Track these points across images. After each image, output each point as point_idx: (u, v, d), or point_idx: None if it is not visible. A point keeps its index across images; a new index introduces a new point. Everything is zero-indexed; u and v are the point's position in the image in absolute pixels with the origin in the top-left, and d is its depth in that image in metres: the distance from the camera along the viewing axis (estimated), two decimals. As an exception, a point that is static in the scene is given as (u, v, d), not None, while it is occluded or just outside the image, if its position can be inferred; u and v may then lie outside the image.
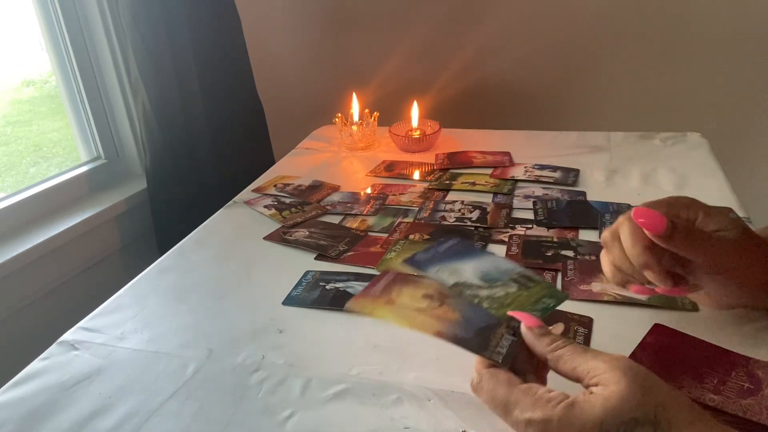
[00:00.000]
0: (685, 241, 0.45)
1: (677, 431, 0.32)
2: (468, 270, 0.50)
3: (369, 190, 0.95)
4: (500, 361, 0.41)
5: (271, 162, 1.33)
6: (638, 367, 0.34)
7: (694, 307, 0.58)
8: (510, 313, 0.44)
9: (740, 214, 0.72)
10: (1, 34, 1.27)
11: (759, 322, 0.55)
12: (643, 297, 0.58)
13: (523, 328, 0.41)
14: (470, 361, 0.54)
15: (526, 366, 0.41)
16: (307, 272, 0.70)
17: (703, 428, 0.32)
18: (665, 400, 0.33)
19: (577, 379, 0.37)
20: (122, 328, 0.63)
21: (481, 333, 0.43)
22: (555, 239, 0.75)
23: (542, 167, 0.98)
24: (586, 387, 0.35)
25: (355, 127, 1.14)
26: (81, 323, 0.64)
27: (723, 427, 0.33)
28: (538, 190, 0.90)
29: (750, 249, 0.47)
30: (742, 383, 0.47)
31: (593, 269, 0.66)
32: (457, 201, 0.87)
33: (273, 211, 0.88)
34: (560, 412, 0.34)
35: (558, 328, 0.55)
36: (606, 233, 0.50)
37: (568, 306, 0.60)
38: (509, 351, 0.41)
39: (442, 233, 0.78)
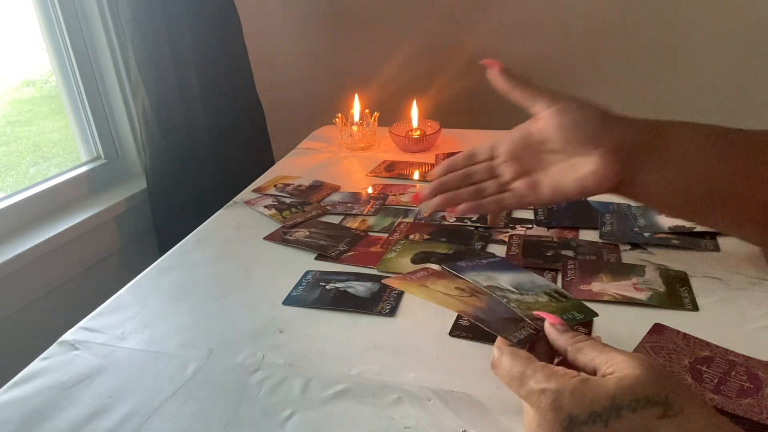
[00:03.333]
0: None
1: (687, 417, 0.32)
2: (503, 279, 0.52)
3: (369, 190, 0.95)
4: (515, 342, 0.42)
5: (271, 162, 1.33)
6: (656, 361, 0.37)
7: (695, 307, 0.58)
8: (536, 312, 0.45)
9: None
10: (2, 34, 1.27)
11: (759, 322, 0.56)
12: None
13: (546, 324, 0.43)
14: (470, 362, 0.54)
15: (545, 360, 0.42)
16: (307, 272, 0.70)
17: (712, 421, 0.33)
18: (678, 389, 0.33)
19: (594, 371, 0.37)
20: (122, 328, 0.63)
21: (503, 320, 0.45)
22: (555, 239, 0.75)
23: (542, 167, 0.98)
24: (602, 377, 0.36)
25: (355, 127, 1.14)
26: (81, 323, 0.64)
27: (731, 425, 0.34)
28: (538, 190, 0.90)
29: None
30: (742, 383, 0.47)
31: (593, 269, 0.66)
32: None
33: (273, 211, 0.88)
34: (574, 384, 0.34)
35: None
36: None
37: (568, 306, 0.60)
38: (527, 337, 0.43)
39: (442, 233, 0.78)
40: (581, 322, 0.51)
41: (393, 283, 0.52)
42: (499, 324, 0.45)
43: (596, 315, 0.49)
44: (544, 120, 0.54)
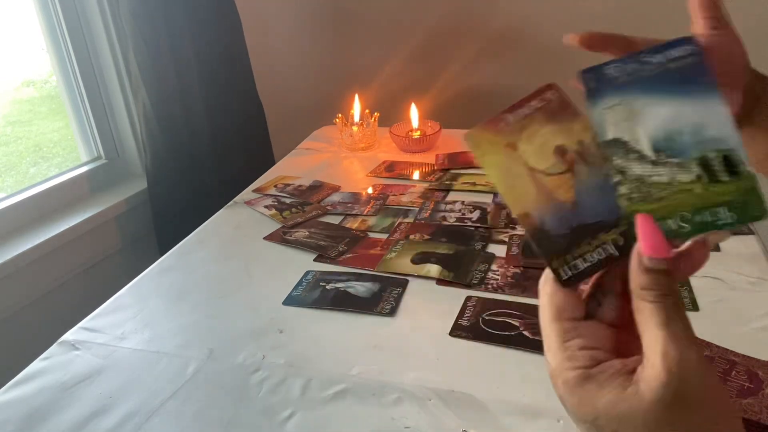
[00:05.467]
0: None
1: None
2: (653, 119, 0.32)
3: (369, 191, 0.95)
4: (562, 279, 0.31)
5: (271, 162, 1.33)
6: (696, 383, 0.25)
7: (695, 307, 0.58)
8: (638, 216, 0.29)
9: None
10: (2, 35, 1.27)
11: (759, 322, 0.56)
12: None
13: (635, 247, 0.28)
14: (470, 362, 0.54)
15: (612, 288, 0.31)
16: (307, 272, 0.70)
17: None
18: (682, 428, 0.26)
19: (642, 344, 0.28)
20: (123, 328, 0.63)
21: (577, 232, 0.32)
22: (555, 239, 0.75)
23: (542, 167, 0.98)
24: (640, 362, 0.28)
25: (355, 128, 1.14)
26: (82, 323, 0.64)
27: None
28: (538, 191, 0.90)
29: None
30: (742, 383, 0.47)
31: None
32: (457, 201, 0.87)
33: (273, 211, 0.88)
34: (568, 377, 0.28)
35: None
36: None
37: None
38: (587, 269, 0.31)
39: (442, 233, 0.78)
40: (730, 227, 0.30)
41: (474, 139, 0.35)
42: (564, 241, 0.31)
43: (763, 216, 0.29)
44: None
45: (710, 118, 0.31)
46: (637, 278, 0.28)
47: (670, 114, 0.32)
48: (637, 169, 0.31)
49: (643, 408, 0.25)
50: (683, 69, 0.32)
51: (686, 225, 0.29)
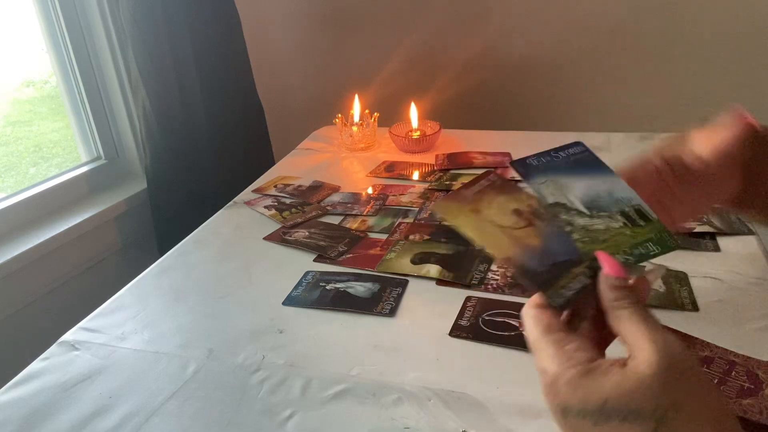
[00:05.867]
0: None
1: None
2: (577, 189, 0.44)
3: (369, 191, 0.95)
4: (558, 304, 0.37)
5: (271, 162, 1.33)
6: (682, 357, 0.31)
7: (694, 307, 0.58)
8: (598, 253, 0.38)
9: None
10: (2, 34, 1.27)
11: (759, 321, 0.56)
12: None
13: (601, 272, 0.37)
14: (470, 362, 0.54)
15: (588, 310, 0.37)
16: (307, 272, 0.70)
17: None
18: (685, 398, 0.31)
19: (625, 343, 0.34)
20: (123, 329, 0.63)
21: (554, 268, 0.39)
22: (555, 239, 0.75)
23: (542, 168, 0.98)
24: (628, 356, 0.33)
25: (355, 128, 1.14)
26: (81, 323, 0.64)
27: None
28: (538, 191, 0.90)
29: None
30: (742, 383, 0.47)
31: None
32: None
33: (273, 211, 0.88)
34: (572, 374, 0.32)
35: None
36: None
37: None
38: (573, 296, 0.37)
39: (442, 233, 0.78)
40: (657, 256, 0.41)
41: (440, 210, 0.44)
42: (547, 275, 0.38)
43: (676, 247, 0.41)
44: None
45: (615, 186, 0.44)
46: (610, 295, 0.35)
47: (587, 186, 0.44)
48: (580, 221, 0.42)
49: (646, 382, 0.30)
50: (582, 160, 0.47)
51: (630, 257, 0.39)
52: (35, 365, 0.58)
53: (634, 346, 0.33)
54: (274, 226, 0.83)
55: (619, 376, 0.31)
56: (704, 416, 0.31)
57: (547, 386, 0.33)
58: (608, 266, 0.37)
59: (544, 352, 0.34)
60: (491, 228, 0.42)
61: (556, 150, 0.47)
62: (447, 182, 0.95)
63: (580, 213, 0.43)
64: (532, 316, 0.36)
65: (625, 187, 0.44)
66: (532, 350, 0.35)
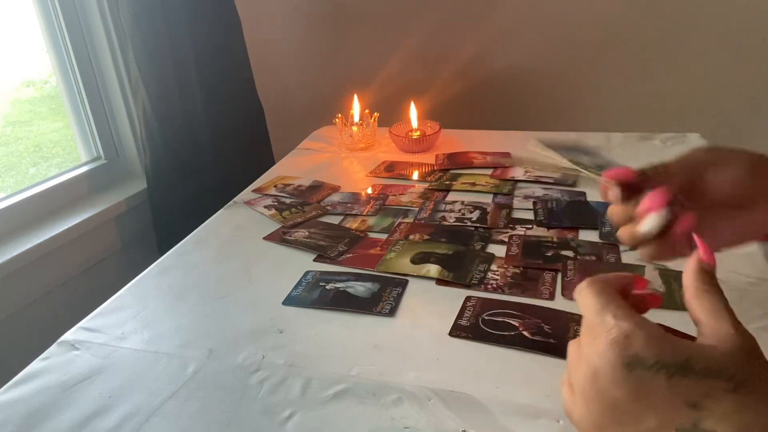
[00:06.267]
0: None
1: (754, 400, 0.30)
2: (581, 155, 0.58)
3: (369, 191, 0.95)
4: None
5: (271, 162, 1.33)
6: (758, 345, 0.33)
7: (694, 308, 0.58)
8: (697, 238, 0.41)
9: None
10: (2, 34, 1.27)
11: (759, 322, 0.56)
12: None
13: (696, 256, 0.38)
14: (470, 362, 0.54)
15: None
16: (307, 272, 0.70)
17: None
18: (762, 374, 0.31)
19: (697, 322, 0.35)
20: (122, 328, 0.63)
21: None
22: (555, 239, 0.75)
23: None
24: (698, 335, 0.35)
25: (355, 128, 1.14)
26: (81, 323, 0.64)
27: None
28: (538, 191, 0.90)
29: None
30: (742, 383, 0.47)
31: (593, 269, 0.66)
32: (457, 201, 0.87)
33: (273, 211, 0.88)
34: (654, 330, 0.33)
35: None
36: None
37: (568, 306, 0.60)
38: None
39: (442, 233, 0.78)
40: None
41: None
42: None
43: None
44: None
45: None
46: (700, 276, 0.37)
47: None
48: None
49: (731, 352, 0.32)
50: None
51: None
52: (35, 365, 0.58)
53: (713, 325, 0.34)
54: (274, 226, 0.83)
55: (698, 343, 0.33)
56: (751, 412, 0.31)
57: (619, 337, 0.33)
58: (705, 252, 0.38)
59: (621, 310, 0.34)
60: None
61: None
62: (447, 182, 0.95)
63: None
64: (599, 286, 0.37)
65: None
66: (595, 311, 0.35)
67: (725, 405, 0.30)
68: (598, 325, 0.35)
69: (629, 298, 0.38)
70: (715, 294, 0.36)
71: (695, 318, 0.35)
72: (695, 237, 0.40)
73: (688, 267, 0.37)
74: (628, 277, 0.39)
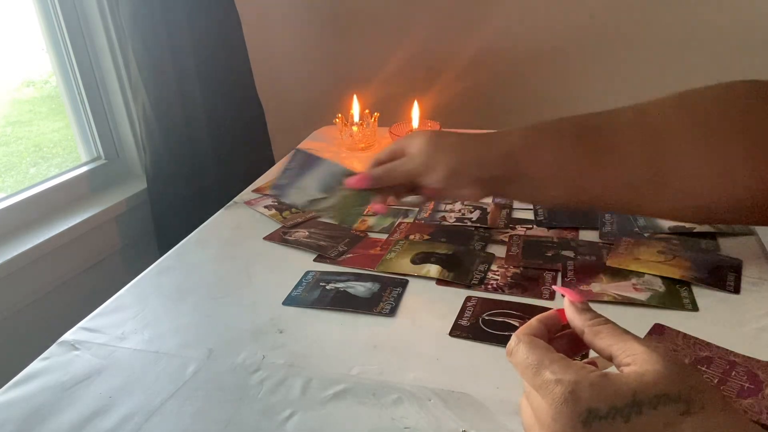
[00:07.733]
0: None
1: (709, 414, 0.31)
2: (312, 184, 0.61)
3: (369, 191, 0.95)
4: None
5: (271, 162, 1.33)
6: (676, 355, 0.35)
7: (695, 307, 0.58)
8: (555, 287, 0.45)
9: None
10: (2, 34, 1.27)
11: (759, 322, 0.56)
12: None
13: (565, 301, 0.40)
14: (470, 362, 0.54)
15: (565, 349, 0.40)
16: (307, 272, 0.70)
17: (733, 418, 0.32)
18: (700, 385, 0.32)
19: (610, 357, 0.36)
20: (123, 328, 0.63)
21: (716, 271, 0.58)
22: (555, 239, 0.75)
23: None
24: (618, 366, 0.35)
25: (355, 128, 1.14)
26: (81, 323, 0.64)
27: (752, 423, 0.33)
28: (538, 191, 0.90)
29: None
30: (742, 383, 0.47)
31: (593, 270, 0.66)
32: (457, 201, 0.87)
33: (273, 211, 0.88)
34: (593, 377, 0.33)
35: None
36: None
37: (568, 306, 0.60)
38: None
39: (442, 233, 0.78)
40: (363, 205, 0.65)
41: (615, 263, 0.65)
42: (714, 277, 0.58)
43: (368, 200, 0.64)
44: None
45: (330, 167, 0.65)
46: (581, 317, 0.39)
47: (316, 178, 0.64)
48: (329, 203, 0.62)
49: (664, 371, 0.32)
50: (306, 162, 0.67)
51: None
52: (35, 365, 0.58)
53: (629, 353, 0.35)
54: (274, 226, 0.83)
55: (637, 374, 0.33)
56: (719, 396, 0.33)
57: (565, 395, 0.33)
58: (569, 295, 0.40)
59: (555, 366, 0.35)
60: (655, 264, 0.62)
61: (288, 165, 0.64)
62: (447, 182, 0.95)
63: (324, 198, 0.58)
64: (527, 342, 0.38)
65: (335, 164, 0.65)
66: (534, 368, 0.36)
67: (687, 430, 0.31)
68: (540, 386, 0.35)
69: (560, 339, 0.40)
70: (607, 323, 0.38)
71: (606, 354, 0.37)
72: (557, 289, 0.45)
73: (569, 316, 0.39)
74: (551, 317, 0.40)
